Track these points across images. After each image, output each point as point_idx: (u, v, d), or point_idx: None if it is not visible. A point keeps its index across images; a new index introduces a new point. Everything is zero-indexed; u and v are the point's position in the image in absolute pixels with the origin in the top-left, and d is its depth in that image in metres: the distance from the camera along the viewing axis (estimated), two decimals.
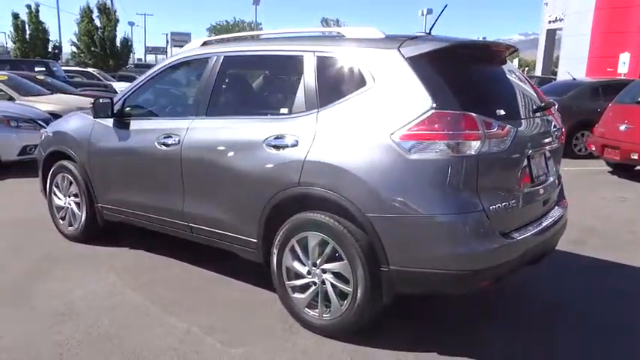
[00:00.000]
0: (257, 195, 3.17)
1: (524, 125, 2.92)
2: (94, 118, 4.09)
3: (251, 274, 3.79)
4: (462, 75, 2.90)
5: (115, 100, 4.08)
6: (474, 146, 2.60)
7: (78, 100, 10.25)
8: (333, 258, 2.94)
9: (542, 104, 3.24)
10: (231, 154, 3.28)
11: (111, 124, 4.08)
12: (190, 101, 3.89)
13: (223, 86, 3.60)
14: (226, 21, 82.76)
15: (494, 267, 2.68)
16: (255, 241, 3.28)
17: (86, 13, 37.32)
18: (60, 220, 4.74)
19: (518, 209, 2.86)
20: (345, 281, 2.90)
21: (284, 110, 3.19)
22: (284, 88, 3.32)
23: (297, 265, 3.10)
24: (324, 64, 3.07)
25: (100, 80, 19.23)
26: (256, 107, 3.57)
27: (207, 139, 3.44)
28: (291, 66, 3.26)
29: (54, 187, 4.72)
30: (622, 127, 8.22)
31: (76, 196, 4.53)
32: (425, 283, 2.72)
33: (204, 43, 3.85)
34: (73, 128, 4.46)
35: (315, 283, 3.04)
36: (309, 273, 3.05)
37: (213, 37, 3.84)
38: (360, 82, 2.89)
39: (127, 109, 4.11)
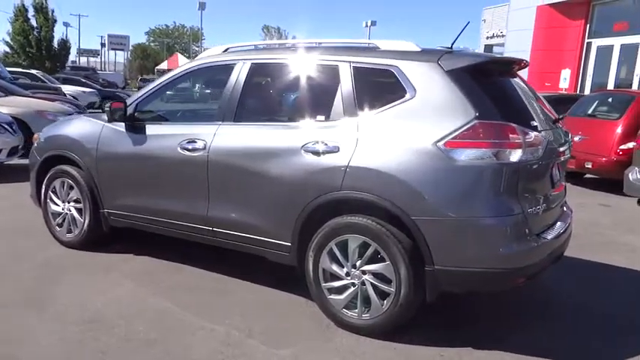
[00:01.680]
0: (294, 199, 3.25)
1: (550, 135, 3.17)
2: (109, 121, 4.02)
3: (266, 276, 3.88)
4: (494, 87, 3.11)
5: (127, 103, 4.04)
6: (515, 154, 2.81)
7: (38, 103, 9.83)
8: (374, 259, 3.06)
9: (557, 116, 3.53)
10: (265, 159, 3.34)
11: (123, 128, 4.03)
12: (214, 106, 3.92)
13: (252, 93, 3.67)
14: (166, 25, 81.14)
15: (531, 265, 2.90)
16: (289, 244, 3.35)
17: (21, 11, 35.63)
18: (56, 227, 4.59)
19: (546, 212, 3.10)
20: (387, 281, 3.03)
21: (320, 117, 3.29)
22: (319, 96, 3.41)
23: (335, 267, 3.20)
24: (361, 74, 3.21)
25: (45, 82, 18.41)
26: (289, 114, 3.65)
27: (238, 145, 3.48)
28: (325, 75, 3.37)
29: (50, 192, 4.57)
30: (576, 138, 8.82)
31: (77, 201, 4.42)
32: (469, 281, 2.90)
33: (226, 50, 3.89)
34: (77, 132, 4.35)
35: (354, 285, 3.15)
36: (347, 275, 3.16)
37: (236, 45, 3.88)
38: (401, 92, 3.05)
39: (142, 113, 4.08)
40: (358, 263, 3.12)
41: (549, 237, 3.05)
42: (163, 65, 42.67)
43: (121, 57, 71.40)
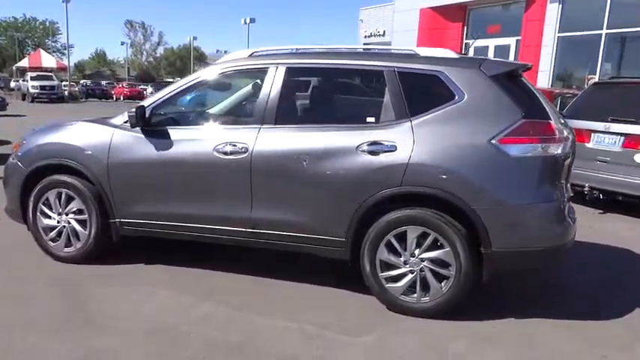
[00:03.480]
0: (350, 196, 3.46)
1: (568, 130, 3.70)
2: (133, 126, 3.86)
3: (295, 273, 4.05)
4: (522, 89, 3.56)
5: (145, 107, 3.91)
6: (556, 147, 3.29)
7: None
8: (433, 247, 3.38)
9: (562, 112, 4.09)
10: (318, 160, 3.50)
11: (140, 133, 3.91)
12: (249, 110, 3.95)
13: (291, 96, 3.77)
14: (14, 17, 73.64)
15: (569, 242, 3.41)
16: (343, 239, 3.54)
17: None
18: (50, 242, 4.28)
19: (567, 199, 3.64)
20: (445, 266, 3.37)
21: (370, 119, 3.52)
22: (365, 100, 3.63)
23: (392, 258, 3.46)
24: (407, 79, 3.49)
25: None
26: (336, 116, 3.80)
27: (286, 147, 3.58)
28: (370, 79, 3.61)
29: (41, 205, 4.25)
30: None
31: (78, 212, 4.17)
32: (523, 260, 3.34)
33: (252, 54, 3.94)
34: (79, 138, 4.09)
35: (412, 272, 3.44)
36: (405, 263, 3.44)
37: (262, 49, 3.94)
38: (449, 95, 3.39)
39: (162, 118, 3.98)
40: (417, 252, 3.41)
41: (574, 217, 3.59)
42: (23, 62, 38.79)
43: None
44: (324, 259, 3.74)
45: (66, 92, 34.45)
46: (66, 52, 59.67)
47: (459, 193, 3.26)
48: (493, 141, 3.24)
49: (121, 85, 45.01)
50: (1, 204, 4.59)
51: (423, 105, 3.44)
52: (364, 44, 34.58)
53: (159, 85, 38.59)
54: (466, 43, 18.64)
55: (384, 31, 31.09)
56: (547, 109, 3.44)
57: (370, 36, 35.00)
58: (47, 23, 72.09)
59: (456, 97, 3.38)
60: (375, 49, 3.82)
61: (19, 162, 4.30)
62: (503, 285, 4.08)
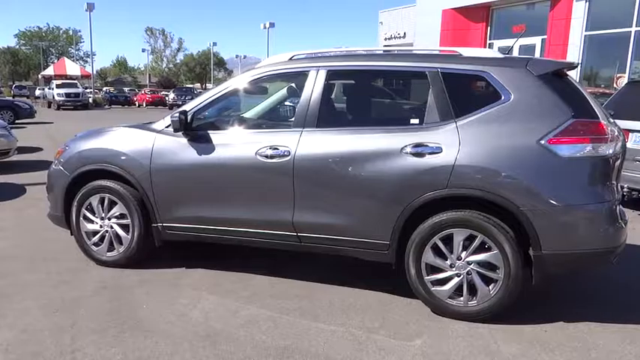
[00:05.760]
0: (395, 199, 3.43)
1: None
2: (174, 132, 3.90)
3: (337, 276, 4.01)
4: (570, 88, 3.50)
5: (187, 112, 3.94)
6: (607, 147, 3.23)
7: None
8: (480, 250, 3.33)
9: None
10: (362, 163, 3.48)
11: (182, 138, 3.94)
12: (289, 113, 3.96)
13: (333, 99, 3.76)
14: (38, 27, 75.22)
15: (621, 244, 3.33)
16: (387, 242, 3.52)
17: None
18: (93, 247, 4.34)
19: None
20: (493, 269, 3.32)
21: (414, 121, 3.50)
22: (408, 101, 3.61)
23: (438, 261, 3.43)
24: (451, 80, 3.46)
25: None
26: (378, 119, 3.79)
27: (329, 150, 3.57)
28: (413, 81, 3.59)
29: (84, 210, 4.31)
30: None
31: (120, 217, 4.22)
32: (574, 262, 3.28)
33: (292, 58, 3.95)
34: (121, 143, 4.14)
35: (458, 275, 3.40)
36: (451, 266, 3.40)
37: (301, 52, 3.94)
38: (495, 95, 3.35)
39: (203, 122, 4.01)
40: (463, 254, 3.37)
41: (626, 220, 3.52)
42: (49, 71, 39.55)
43: None
44: (367, 262, 3.72)
45: (90, 99, 34.98)
46: (88, 59, 60.67)
47: (507, 195, 3.21)
48: (542, 141, 3.19)
49: (143, 92, 45.61)
50: (45, 209, 4.66)
51: (469, 106, 3.41)
52: (384, 47, 34.56)
53: (180, 91, 39.01)
54: (490, 44, 18.49)
55: (405, 33, 30.96)
56: (596, 109, 3.37)
57: (390, 38, 34.93)
58: (70, 32, 73.38)
59: (503, 98, 3.34)
60: (414, 50, 3.78)
61: (63, 168, 4.37)
62: (551, 287, 4.01)
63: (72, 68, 38.92)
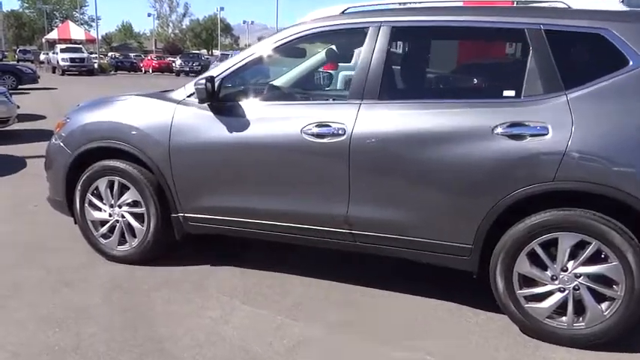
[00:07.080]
0: (482, 193, 2.71)
1: None
2: (200, 102, 3.15)
3: (397, 284, 3.32)
4: None
5: (214, 79, 3.18)
6: None
7: None
8: (594, 260, 2.61)
9: None
10: (438, 146, 2.74)
11: (208, 111, 3.20)
12: (343, 82, 3.19)
13: (400, 64, 3.00)
14: None
15: None
16: (470, 246, 2.80)
17: None
18: (101, 239, 3.65)
19: None
20: (609, 284, 2.60)
21: (508, 93, 2.74)
22: (500, 68, 2.85)
23: (536, 271, 2.71)
24: (558, 40, 2.68)
25: None
26: (460, 90, 3.03)
27: (395, 129, 2.83)
28: (507, 41, 2.83)
29: (90, 195, 3.60)
30: None
31: (133, 205, 3.51)
32: None
33: (344, 11, 3.16)
34: (134, 116, 3.41)
35: (562, 290, 2.68)
36: (553, 278, 2.69)
37: (358, 4, 3.16)
38: (619, 60, 2.57)
39: (232, 91, 3.26)
40: (570, 265, 2.65)
41: None
42: (53, 35, 38.47)
43: None
44: (439, 268, 3.01)
45: (95, 65, 34.03)
46: (93, 24, 59.27)
47: (636, 192, 2.47)
48: None
49: (149, 58, 44.51)
50: (44, 192, 3.95)
51: (583, 74, 2.64)
52: None
53: (187, 57, 37.91)
54: None
55: None
56: None
57: None
58: None
59: (631, 63, 2.56)
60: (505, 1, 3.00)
61: (63, 144, 3.64)
62: None
63: (76, 32, 37.87)
